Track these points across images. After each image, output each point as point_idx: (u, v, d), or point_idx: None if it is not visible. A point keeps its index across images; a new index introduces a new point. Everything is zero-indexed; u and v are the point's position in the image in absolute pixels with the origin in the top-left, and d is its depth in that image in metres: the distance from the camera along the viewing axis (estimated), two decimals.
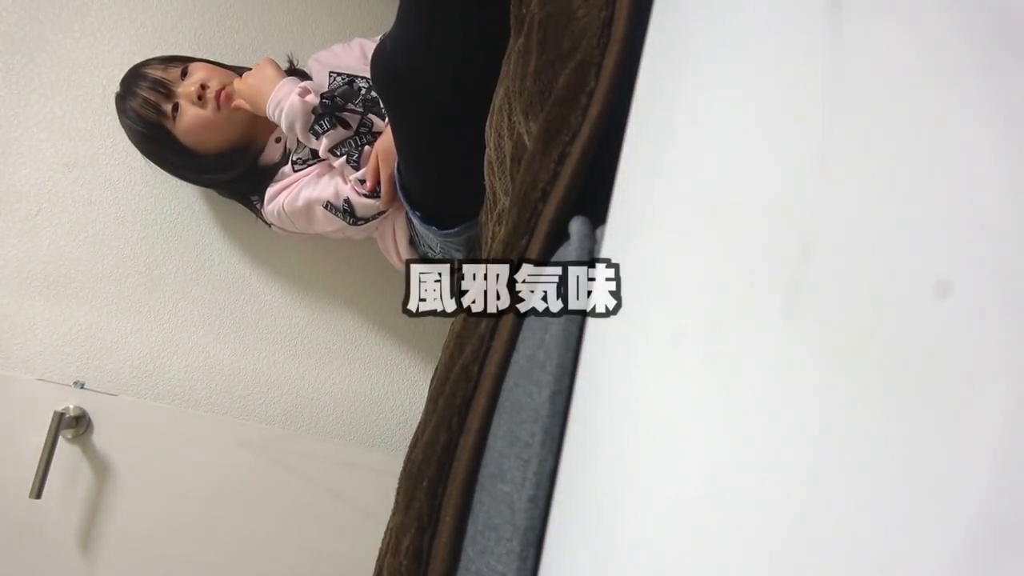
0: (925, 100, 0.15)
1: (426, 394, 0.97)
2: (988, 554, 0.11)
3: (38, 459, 1.07)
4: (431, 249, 1.06)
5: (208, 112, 1.04)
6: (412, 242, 1.11)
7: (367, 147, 1.00)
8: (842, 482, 0.14)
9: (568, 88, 0.40)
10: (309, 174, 1.07)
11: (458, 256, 1.04)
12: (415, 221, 1.00)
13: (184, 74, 1.06)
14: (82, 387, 1.16)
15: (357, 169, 1.00)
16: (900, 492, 0.13)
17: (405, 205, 0.99)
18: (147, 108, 1.04)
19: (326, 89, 1.03)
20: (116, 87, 1.10)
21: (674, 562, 0.20)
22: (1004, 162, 0.13)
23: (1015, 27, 0.14)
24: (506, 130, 0.58)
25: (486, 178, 0.70)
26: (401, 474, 0.46)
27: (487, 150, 0.67)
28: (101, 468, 1.14)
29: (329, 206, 1.04)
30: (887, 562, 0.13)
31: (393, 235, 1.11)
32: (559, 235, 0.38)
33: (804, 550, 0.15)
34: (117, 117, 1.09)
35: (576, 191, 0.38)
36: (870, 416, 0.14)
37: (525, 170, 0.41)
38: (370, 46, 1.12)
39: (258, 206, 1.13)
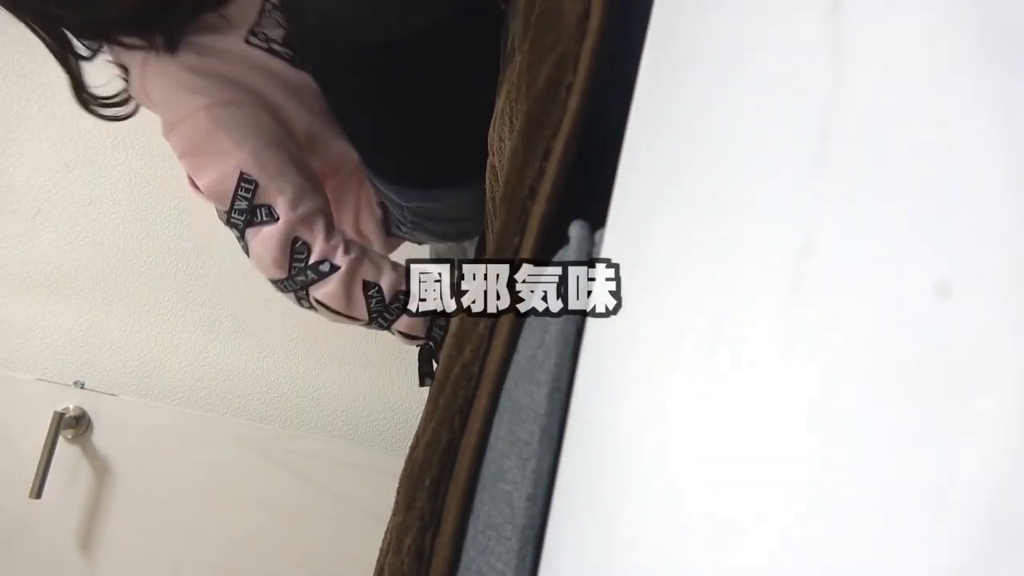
0: (925, 99, 0.16)
1: (426, 394, 0.97)
2: (988, 554, 0.11)
3: (38, 459, 1.07)
4: (399, 228, 0.82)
5: None
6: (383, 222, 0.83)
7: None
8: (842, 481, 0.14)
9: (548, 82, 0.40)
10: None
11: (430, 237, 0.85)
12: (378, 184, 0.74)
13: None
14: (82, 387, 1.16)
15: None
16: (900, 491, 0.13)
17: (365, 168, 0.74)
18: None
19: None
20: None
21: (674, 561, 0.20)
22: (1005, 161, 0.13)
23: (1016, 26, 0.14)
24: (507, 133, 0.58)
25: (488, 183, 0.68)
26: (402, 474, 0.46)
27: (490, 157, 0.66)
28: (101, 468, 1.14)
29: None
30: (887, 562, 0.13)
31: (355, 208, 0.82)
32: (551, 232, 0.38)
33: (803, 549, 0.15)
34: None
35: (564, 185, 0.38)
36: (870, 415, 0.14)
37: (509, 168, 0.41)
38: None
39: (125, 64, 0.64)
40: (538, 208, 0.38)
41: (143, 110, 0.75)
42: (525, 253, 0.38)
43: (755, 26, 0.24)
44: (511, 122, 0.57)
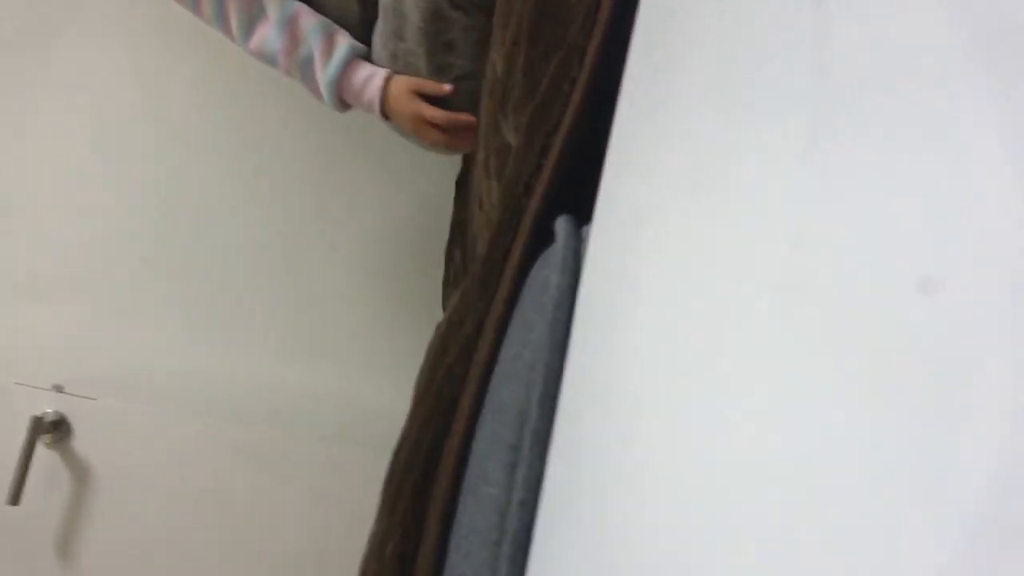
0: (915, 96, 0.15)
1: None
2: (987, 554, 0.11)
3: (15, 465, 1.05)
4: None
5: None
6: None
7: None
8: (838, 481, 0.14)
9: (553, 78, 0.40)
10: None
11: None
12: None
13: None
14: (60, 391, 1.14)
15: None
16: (897, 491, 0.13)
17: None
18: None
19: None
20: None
21: (667, 563, 0.20)
22: (996, 157, 0.13)
23: (1008, 21, 0.14)
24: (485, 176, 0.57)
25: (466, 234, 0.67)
26: (384, 479, 0.46)
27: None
28: (82, 474, 1.12)
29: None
30: (885, 562, 0.13)
31: None
32: (544, 230, 0.38)
33: (801, 549, 0.15)
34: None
35: (559, 182, 0.38)
36: (865, 414, 0.14)
37: (511, 167, 0.41)
38: None
39: None
40: (532, 205, 0.38)
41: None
42: (516, 251, 0.38)
43: (743, 22, 0.24)
44: (497, 131, 0.56)
